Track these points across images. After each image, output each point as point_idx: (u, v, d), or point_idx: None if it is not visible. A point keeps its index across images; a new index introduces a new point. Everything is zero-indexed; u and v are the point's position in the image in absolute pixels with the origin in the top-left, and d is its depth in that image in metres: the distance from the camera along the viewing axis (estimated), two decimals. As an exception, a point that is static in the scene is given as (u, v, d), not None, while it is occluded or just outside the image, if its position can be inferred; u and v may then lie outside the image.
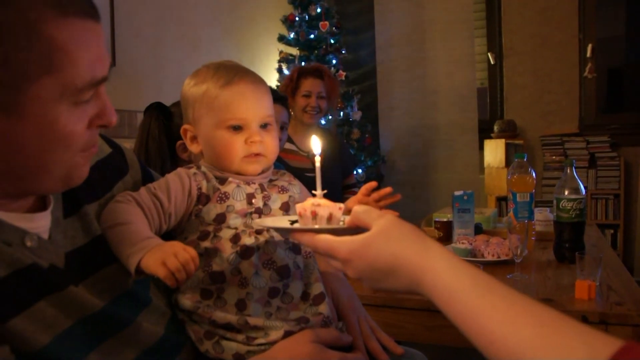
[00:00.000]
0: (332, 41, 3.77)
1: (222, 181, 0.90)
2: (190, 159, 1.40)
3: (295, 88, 2.57)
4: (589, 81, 4.06)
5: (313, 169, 0.84)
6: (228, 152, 0.90)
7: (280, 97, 2.02)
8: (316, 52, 3.75)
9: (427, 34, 4.26)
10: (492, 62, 4.36)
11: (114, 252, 0.75)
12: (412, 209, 3.99)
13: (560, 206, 1.60)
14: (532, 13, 4.14)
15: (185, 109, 0.96)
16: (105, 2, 2.62)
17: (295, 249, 0.89)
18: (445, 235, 1.95)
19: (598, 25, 4.05)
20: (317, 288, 0.89)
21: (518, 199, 1.79)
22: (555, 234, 1.65)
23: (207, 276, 0.83)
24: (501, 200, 3.87)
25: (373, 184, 1.08)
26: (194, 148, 0.96)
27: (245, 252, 0.84)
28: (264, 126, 0.92)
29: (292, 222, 0.77)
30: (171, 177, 0.89)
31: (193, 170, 0.91)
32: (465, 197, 1.84)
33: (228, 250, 0.84)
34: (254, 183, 0.91)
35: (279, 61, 3.83)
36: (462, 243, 1.65)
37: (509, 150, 3.94)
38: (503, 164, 3.89)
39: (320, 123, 3.37)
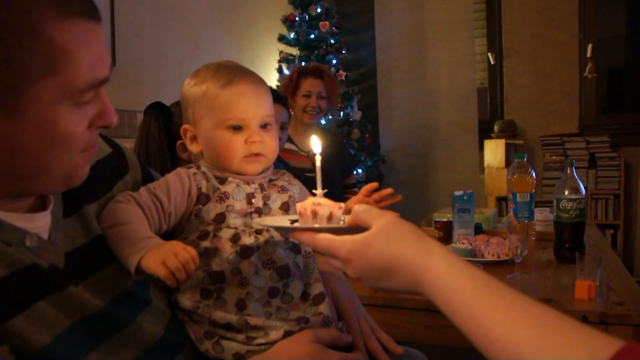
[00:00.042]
0: (332, 41, 3.77)
1: (222, 181, 0.90)
2: (190, 158, 1.40)
3: (296, 88, 2.57)
4: (589, 81, 4.06)
5: (313, 169, 0.84)
6: (228, 152, 0.90)
7: (280, 97, 2.02)
8: (316, 52, 3.75)
9: (427, 34, 4.26)
10: (492, 62, 4.36)
11: (114, 252, 0.75)
12: (412, 209, 3.99)
13: (561, 206, 1.60)
14: (532, 13, 4.14)
15: (185, 108, 0.96)
16: (105, 2, 2.62)
17: (295, 248, 0.89)
18: (445, 235, 1.95)
19: (598, 25, 4.05)
20: (317, 288, 0.89)
21: (518, 199, 1.79)
22: (555, 234, 1.65)
23: (206, 276, 0.83)
24: (501, 200, 3.87)
25: (374, 184, 1.08)
26: (193, 148, 0.96)
27: (245, 252, 0.84)
28: (263, 126, 0.92)
29: (292, 222, 0.77)
30: (171, 177, 0.89)
31: (193, 170, 0.91)
32: (465, 197, 1.84)
33: (228, 250, 0.84)
34: (254, 183, 0.91)
35: (279, 61, 3.83)
36: (462, 243, 1.65)
37: (509, 150, 3.94)
38: (503, 164, 3.89)
39: (321, 123, 3.37)
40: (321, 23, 3.72)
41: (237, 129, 0.90)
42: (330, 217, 0.72)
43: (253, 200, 0.89)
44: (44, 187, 0.66)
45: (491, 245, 1.62)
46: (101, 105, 0.67)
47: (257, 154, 0.91)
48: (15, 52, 0.56)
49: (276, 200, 0.92)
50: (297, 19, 3.75)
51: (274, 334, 0.81)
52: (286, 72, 3.69)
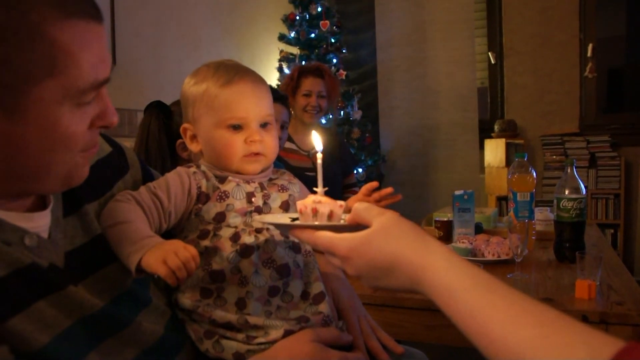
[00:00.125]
0: (332, 40, 3.77)
1: (222, 180, 0.90)
2: (190, 157, 1.40)
3: (296, 87, 2.57)
4: (590, 81, 4.06)
5: (313, 168, 0.84)
6: (228, 152, 0.90)
7: (280, 96, 2.01)
8: (317, 51, 3.75)
9: (428, 34, 4.26)
10: (492, 62, 4.36)
11: (114, 251, 0.75)
12: (413, 209, 3.99)
13: (561, 206, 1.60)
14: (532, 13, 4.14)
15: (185, 107, 0.96)
16: (105, 2, 2.62)
17: (295, 247, 0.89)
18: (445, 234, 1.94)
19: (598, 25, 4.04)
20: (317, 287, 0.89)
21: (518, 199, 1.79)
22: (556, 233, 1.65)
23: (207, 275, 0.83)
24: (501, 199, 3.88)
25: (374, 184, 1.08)
26: (193, 147, 0.96)
27: (245, 251, 0.83)
28: (263, 125, 0.92)
29: (293, 220, 0.77)
30: (171, 176, 0.89)
31: (193, 169, 0.91)
32: (465, 197, 1.84)
33: (228, 249, 0.84)
34: (254, 182, 0.91)
35: (280, 60, 3.83)
36: (463, 242, 1.65)
37: (509, 150, 3.94)
38: (503, 163, 3.90)
39: (321, 122, 3.37)
40: (321, 22, 3.72)
41: (237, 128, 0.90)
42: (330, 215, 0.72)
43: (253, 199, 0.89)
44: (44, 187, 0.66)
45: (491, 244, 1.62)
46: (102, 105, 0.66)
47: (257, 154, 0.91)
48: (16, 53, 0.56)
49: (276, 199, 0.92)
50: (297, 18, 3.75)
51: (274, 333, 0.81)
52: (286, 71, 3.69)
